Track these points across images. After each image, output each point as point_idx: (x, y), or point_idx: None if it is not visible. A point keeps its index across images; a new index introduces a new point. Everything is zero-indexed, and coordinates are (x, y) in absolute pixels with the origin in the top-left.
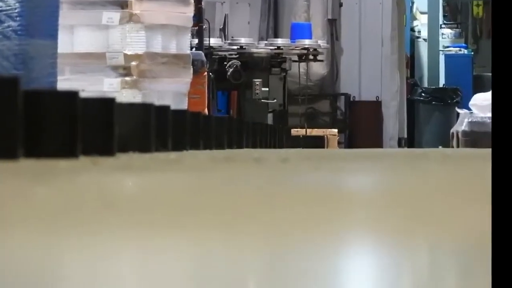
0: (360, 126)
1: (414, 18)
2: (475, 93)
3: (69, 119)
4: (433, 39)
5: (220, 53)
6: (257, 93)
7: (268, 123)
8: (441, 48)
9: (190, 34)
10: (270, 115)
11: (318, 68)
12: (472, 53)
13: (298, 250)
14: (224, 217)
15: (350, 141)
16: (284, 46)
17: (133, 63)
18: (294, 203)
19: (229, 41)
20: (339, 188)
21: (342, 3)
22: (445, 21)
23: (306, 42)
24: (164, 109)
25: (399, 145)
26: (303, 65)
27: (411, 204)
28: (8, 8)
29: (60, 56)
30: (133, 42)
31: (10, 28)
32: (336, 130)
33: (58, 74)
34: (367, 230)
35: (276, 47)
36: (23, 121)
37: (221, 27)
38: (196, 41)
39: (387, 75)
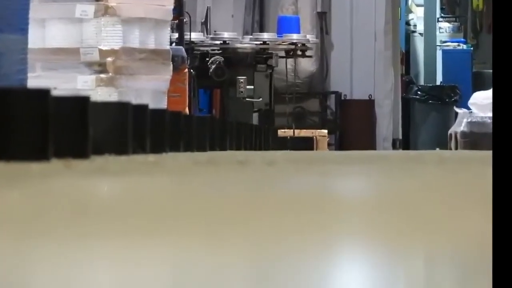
0: (351, 127)
1: (410, 11)
2: (475, 91)
3: (40, 119)
4: (429, 34)
5: (201, 48)
6: (242, 92)
7: (253, 124)
8: (438, 43)
9: (169, 28)
10: (255, 115)
11: (307, 65)
12: (472, 48)
13: (286, 260)
14: (206, 224)
15: (341, 143)
16: (270, 41)
17: (109, 59)
18: (281, 209)
19: (211, 36)
20: (329, 193)
21: None
22: (442, 14)
23: (294, 36)
24: (142, 108)
25: (393, 146)
26: (290, 61)
27: (406, 211)
28: None
29: (30, 51)
30: (108, 36)
31: None
32: (326, 131)
33: (28, 71)
34: (360, 238)
35: (261, 42)
36: None
37: (203, 20)
38: (176, 35)
39: (380, 72)
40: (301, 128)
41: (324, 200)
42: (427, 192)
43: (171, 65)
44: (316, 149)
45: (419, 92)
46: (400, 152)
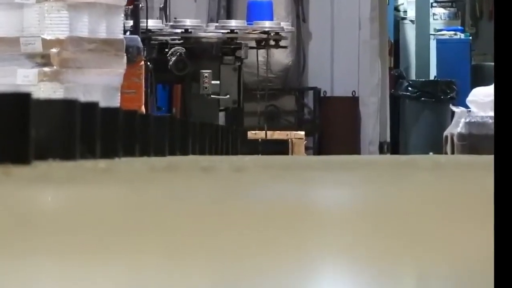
0: (332, 128)
1: None
2: (474, 87)
3: None
4: (422, 21)
5: (160, 38)
6: (206, 87)
7: (219, 124)
8: (432, 32)
9: (123, 15)
10: (221, 115)
11: (281, 57)
12: (470, 37)
13: (254, 282)
14: (164, 240)
15: (320, 146)
16: (238, 29)
17: (53, 50)
18: (251, 224)
19: (171, 23)
20: (306, 205)
21: None
22: None
23: (266, 24)
24: (92, 106)
25: (381, 151)
26: (262, 52)
27: (395, 225)
28: None
29: None
30: (53, 24)
31: None
32: (302, 133)
33: None
34: (342, 257)
35: (229, 31)
36: None
37: (161, 6)
38: (130, 23)
39: (365, 65)
40: (274, 130)
41: (300, 213)
42: (419, 203)
43: (125, 57)
44: (292, 154)
45: (410, 88)
46: (389, 157)
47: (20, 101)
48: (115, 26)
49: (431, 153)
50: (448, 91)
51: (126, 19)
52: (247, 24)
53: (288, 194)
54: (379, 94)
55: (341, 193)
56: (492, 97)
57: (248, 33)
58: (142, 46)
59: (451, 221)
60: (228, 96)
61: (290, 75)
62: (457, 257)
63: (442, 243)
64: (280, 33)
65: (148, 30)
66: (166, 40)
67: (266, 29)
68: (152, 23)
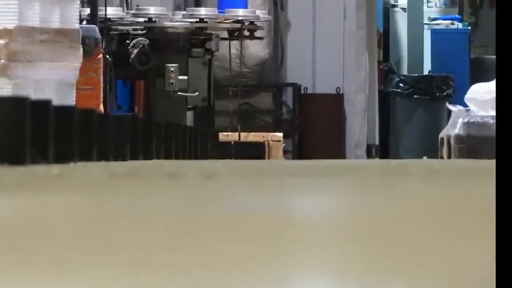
0: (314, 129)
1: None
2: (473, 83)
3: None
4: (415, 9)
5: (121, 27)
6: (172, 83)
7: (187, 125)
8: (426, 21)
9: (79, 2)
10: (189, 114)
11: (256, 49)
12: (469, 27)
13: None
14: (125, 254)
15: (300, 150)
16: (209, 18)
17: (1, 41)
18: (223, 237)
19: (133, 12)
20: (284, 216)
21: None
22: None
23: (240, 12)
24: (44, 105)
25: (368, 154)
26: (235, 44)
27: (385, 239)
28: None
29: None
30: (0, 13)
31: None
32: (281, 134)
33: None
34: (324, 274)
35: (198, 20)
36: None
37: None
38: (87, 11)
39: (351, 59)
40: (249, 131)
41: (278, 226)
42: (411, 215)
43: (81, 49)
44: (269, 158)
45: (401, 84)
46: (377, 161)
47: None
48: (70, 15)
49: (425, 158)
50: (444, 88)
51: (83, 6)
52: (218, 12)
53: (264, 204)
54: (367, 91)
55: (323, 203)
56: (494, 94)
57: (220, 22)
58: (100, 37)
59: (447, 235)
60: (197, 93)
61: (267, 70)
62: (453, 276)
63: (437, 260)
64: (255, 23)
65: (107, 19)
66: (127, 30)
67: (240, 18)
68: (112, 11)
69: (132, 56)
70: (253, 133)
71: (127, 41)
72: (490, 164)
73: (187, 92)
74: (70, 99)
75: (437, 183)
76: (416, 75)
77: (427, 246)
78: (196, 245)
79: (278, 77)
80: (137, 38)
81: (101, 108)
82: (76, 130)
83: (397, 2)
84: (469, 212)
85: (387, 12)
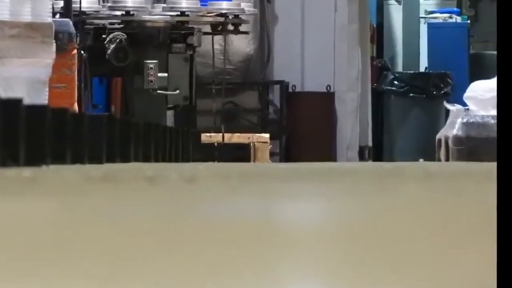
0: (303, 130)
1: None
2: (473, 80)
3: None
4: (410, 2)
5: (96, 21)
6: (151, 81)
7: (168, 125)
8: (422, 15)
9: None
10: (170, 114)
11: (242, 44)
12: (468, 21)
13: None
14: (100, 263)
15: (288, 152)
16: (190, 11)
17: None
18: (204, 244)
19: (109, 4)
20: (271, 223)
21: None
22: None
23: (223, 5)
24: (14, 104)
25: (361, 157)
26: (219, 39)
27: (379, 248)
28: None
29: None
30: None
31: None
32: (267, 136)
33: None
34: (313, 285)
35: (179, 13)
36: None
37: None
38: (61, 3)
39: (342, 55)
40: (233, 132)
41: (264, 233)
42: (406, 221)
43: (54, 44)
44: (254, 160)
45: (396, 82)
46: (370, 164)
47: None
48: (42, 8)
49: (421, 160)
50: (442, 86)
51: None
52: (201, 5)
53: (249, 210)
54: (359, 89)
55: (312, 209)
56: (494, 93)
57: (202, 15)
58: (74, 32)
59: (444, 243)
60: (177, 91)
61: (252, 67)
62: (451, 286)
63: (434, 270)
64: (240, 16)
65: (82, 13)
66: (103, 24)
67: (224, 11)
68: (87, 4)
69: (109, 52)
70: (238, 134)
71: (103, 36)
72: (490, 167)
73: (167, 90)
74: (42, 98)
75: (434, 188)
76: (412, 72)
77: (423, 255)
78: (177, 253)
79: (264, 74)
80: (114, 32)
81: (76, 107)
82: (49, 131)
83: None
84: (469, 218)
85: (381, 5)
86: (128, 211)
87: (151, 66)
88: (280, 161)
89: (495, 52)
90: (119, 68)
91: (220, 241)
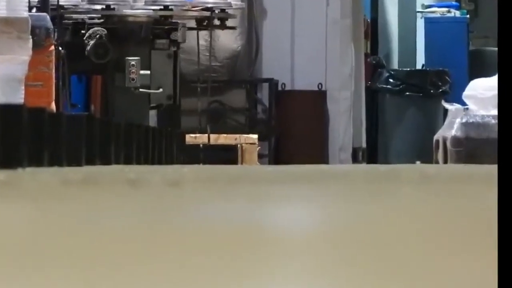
0: (293, 130)
1: None
2: (472, 78)
3: None
4: None
5: (75, 16)
6: (133, 79)
7: (150, 126)
8: (419, 9)
9: None
10: (152, 113)
11: (229, 40)
12: (468, 16)
13: None
14: (78, 272)
15: (277, 154)
16: (174, 5)
17: None
18: (189, 251)
19: None
20: (259, 229)
21: None
22: None
23: None
24: None
25: (354, 159)
26: (204, 35)
27: (373, 255)
28: None
29: None
30: None
31: None
32: (255, 136)
33: None
34: None
35: (162, 7)
36: None
37: None
38: None
39: (335, 51)
40: (219, 133)
41: (252, 240)
42: (402, 227)
43: (31, 40)
44: (242, 163)
45: (391, 80)
46: (364, 167)
47: None
48: (18, 2)
49: (418, 162)
50: (440, 84)
51: None
52: None
53: (237, 215)
54: (352, 88)
55: (303, 214)
56: (495, 91)
57: (187, 10)
58: (52, 27)
59: (442, 250)
60: (161, 90)
61: (240, 64)
62: None
63: (431, 279)
64: (226, 10)
65: (60, 7)
66: (82, 19)
67: (209, 5)
68: None
69: (88, 48)
70: (225, 135)
71: (83, 32)
72: (491, 170)
73: (149, 89)
74: (18, 97)
75: (431, 192)
76: (408, 69)
77: (420, 264)
78: (159, 262)
79: (252, 72)
80: (93, 28)
81: (53, 106)
82: (25, 132)
83: None
84: (468, 225)
85: None
86: (109, 216)
87: (133, 63)
88: (269, 163)
89: (496, 49)
90: (99, 65)
91: (206, 249)
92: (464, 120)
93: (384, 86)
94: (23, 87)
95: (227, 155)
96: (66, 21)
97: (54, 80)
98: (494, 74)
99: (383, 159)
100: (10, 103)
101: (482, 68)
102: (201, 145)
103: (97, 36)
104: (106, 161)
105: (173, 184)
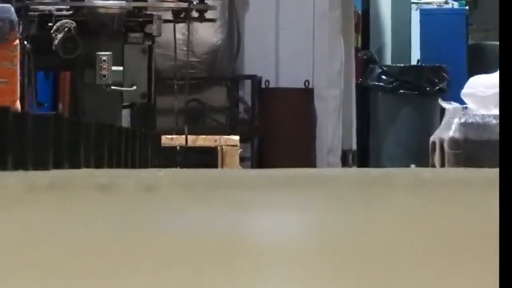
0: (277, 131)
1: None
2: (472, 75)
3: None
4: None
5: (41, 7)
6: (104, 76)
7: (123, 126)
8: (414, 0)
9: None
10: (125, 113)
11: (208, 34)
12: (467, 7)
13: None
14: (46, 282)
15: (260, 156)
16: None
17: None
18: (164, 262)
19: None
20: (241, 238)
21: None
22: None
23: None
24: None
25: (344, 162)
26: (181, 28)
27: (362, 266)
28: None
29: None
30: None
31: None
32: (237, 138)
33: None
34: None
35: None
36: None
37: None
38: None
39: (322, 46)
40: (198, 134)
41: (232, 250)
42: (395, 236)
43: None
44: (222, 166)
45: (384, 77)
46: (355, 171)
47: None
48: None
49: (413, 166)
50: (437, 81)
51: None
52: None
53: (217, 223)
54: (342, 85)
55: (288, 222)
56: (496, 89)
57: (162, 0)
58: (16, 19)
59: (439, 261)
60: (134, 87)
61: (220, 59)
62: None
63: None
64: (205, 1)
65: None
66: (49, 10)
67: None
68: None
69: (56, 42)
70: (203, 136)
71: (50, 24)
72: (492, 174)
73: (122, 86)
74: None
75: (427, 198)
76: (402, 65)
77: (414, 277)
78: (133, 273)
79: (233, 68)
80: (61, 20)
81: (18, 105)
82: None
83: None
84: (467, 233)
85: None
86: (78, 225)
87: (104, 58)
88: (252, 167)
89: (497, 43)
90: (68, 61)
91: (183, 260)
92: (462, 120)
93: (376, 83)
94: None
95: (206, 158)
96: (32, 13)
97: (19, 77)
98: (495, 71)
99: (375, 163)
100: None
101: (482, 64)
102: (178, 147)
103: (66, 29)
104: (75, 165)
105: (147, 189)
